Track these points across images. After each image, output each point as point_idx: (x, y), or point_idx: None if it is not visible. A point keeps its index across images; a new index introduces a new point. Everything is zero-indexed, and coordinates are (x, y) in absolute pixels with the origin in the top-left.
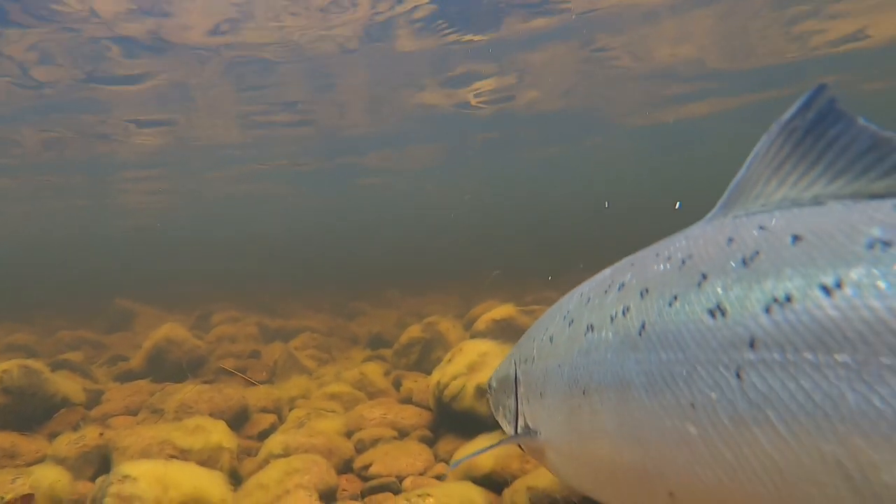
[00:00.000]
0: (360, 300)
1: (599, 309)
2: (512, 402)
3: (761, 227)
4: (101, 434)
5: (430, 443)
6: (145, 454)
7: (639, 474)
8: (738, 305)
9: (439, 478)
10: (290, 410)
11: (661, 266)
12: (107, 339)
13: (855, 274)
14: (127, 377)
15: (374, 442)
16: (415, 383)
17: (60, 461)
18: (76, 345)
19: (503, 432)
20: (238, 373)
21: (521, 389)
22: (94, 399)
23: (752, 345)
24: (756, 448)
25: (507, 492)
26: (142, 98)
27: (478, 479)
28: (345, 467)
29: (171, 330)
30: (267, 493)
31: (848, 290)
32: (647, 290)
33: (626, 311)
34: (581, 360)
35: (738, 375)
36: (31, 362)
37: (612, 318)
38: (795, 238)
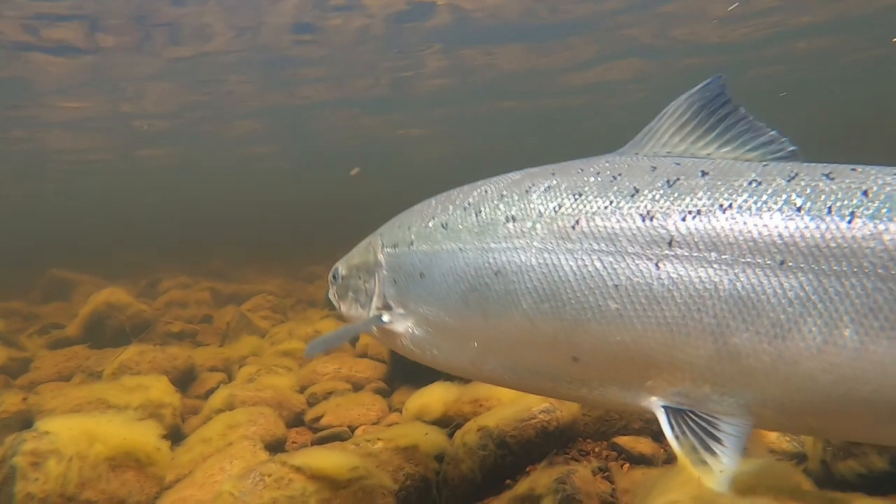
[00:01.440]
0: (319, 265)
1: (522, 204)
2: (370, 285)
3: (677, 164)
4: (25, 399)
5: (386, 394)
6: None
7: (547, 343)
8: (664, 213)
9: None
10: (240, 368)
11: (593, 178)
12: (40, 309)
13: (740, 199)
14: (61, 345)
15: (327, 395)
16: (371, 338)
17: None
18: (4, 315)
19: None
20: (182, 323)
21: (383, 272)
22: (21, 367)
23: (670, 243)
24: (660, 318)
25: (458, 433)
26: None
27: (428, 423)
28: (296, 420)
29: (111, 294)
30: (209, 447)
31: (734, 210)
32: (580, 194)
33: (558, 208)
34: (498, 246)
35: (657, 265)
36: None
37: (540, 214)
38: (703, 173)
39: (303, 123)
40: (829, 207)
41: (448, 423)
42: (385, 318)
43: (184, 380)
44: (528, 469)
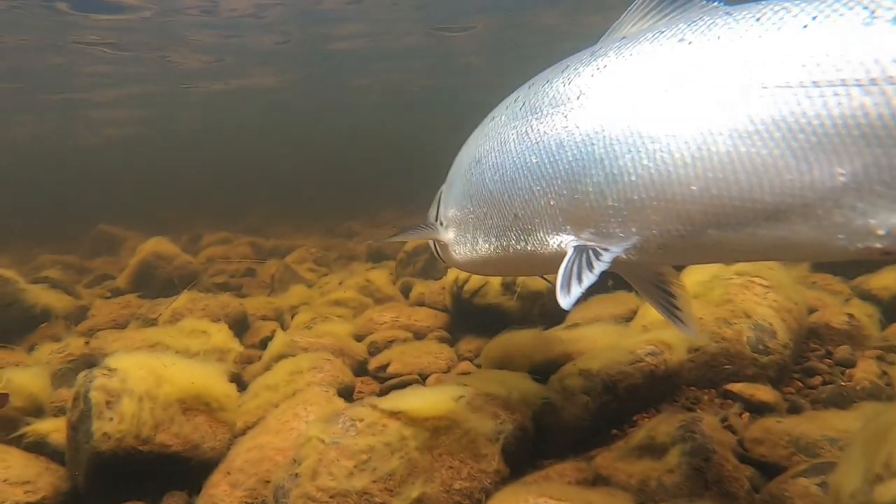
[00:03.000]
0: (353, 220)
1: (504, 105)
2: (434, 210)
3: (613, 40)
4: (87, 343)
5: (450, 343)
6: None
7: (500, 205)
8: (579, 76)
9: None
10: (292, 318)
11: (549, 70)
12: (91, 263)
13: (639, 48)
14: (113, 296)
15: (389, 344)
16: (426, 287)
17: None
18: (61, 268)
19: (526, 323)
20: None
21: (442, 196)
22: (80, 315)
23: (578, 97)
24: (564, 160)
25: (554, 377)
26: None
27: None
28: (359, 369)
29: (158, 244)
30: (275, 393)
31: (633, 58)
32: (531, 85)
33: (516, 100)
34: (481, 140)
35: (566, 117)
36: (3, 271)
37: (506, 107)
38: (623, 37)
39: (335, 75)
40: (719, 36)
41: (539, 371)
42: (434, 228)
43: (237, 328)
44: (634, 418)
